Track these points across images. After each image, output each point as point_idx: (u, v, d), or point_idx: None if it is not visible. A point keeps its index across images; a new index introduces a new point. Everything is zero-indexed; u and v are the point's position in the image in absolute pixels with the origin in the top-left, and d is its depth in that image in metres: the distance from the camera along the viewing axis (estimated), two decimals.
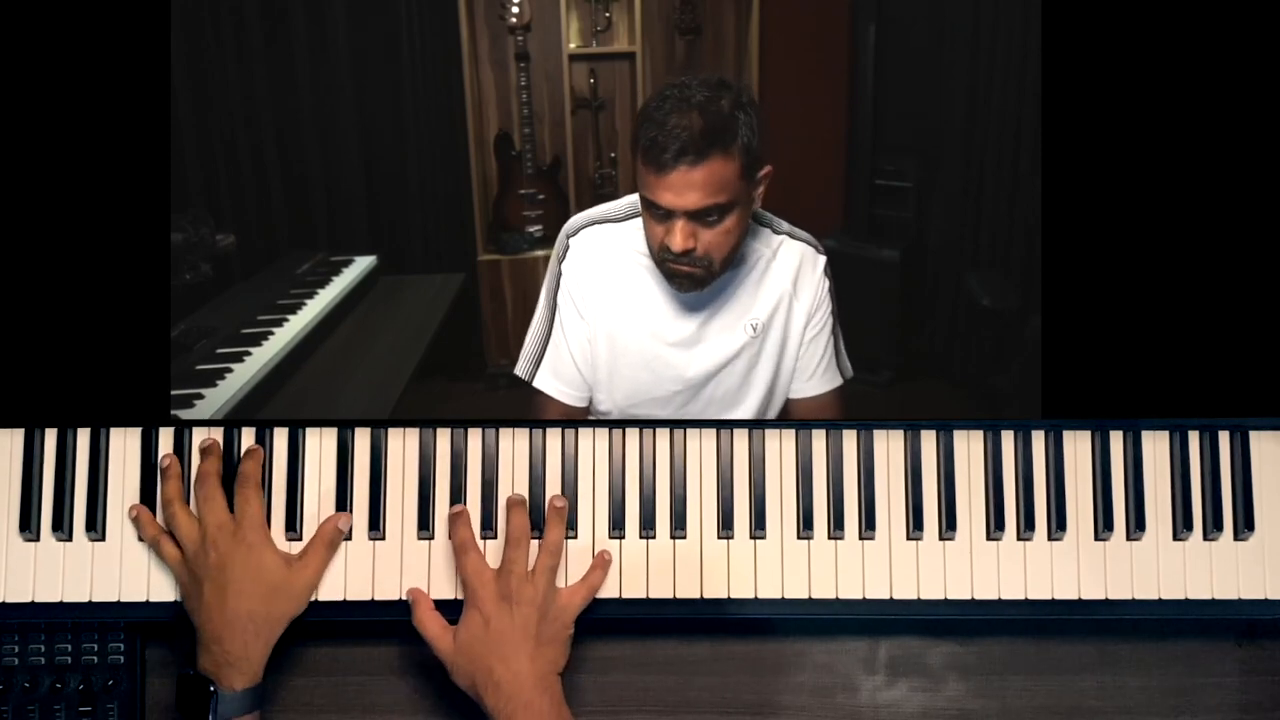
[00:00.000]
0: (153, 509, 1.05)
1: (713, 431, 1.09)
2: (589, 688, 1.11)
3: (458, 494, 1.06)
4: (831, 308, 1.24)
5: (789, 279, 1.21)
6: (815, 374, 1.25)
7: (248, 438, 1.07)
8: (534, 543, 1.04)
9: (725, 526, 1.06)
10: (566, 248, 1.20)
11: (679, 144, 1.04)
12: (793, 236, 1.22)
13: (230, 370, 1.37)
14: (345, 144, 2.24)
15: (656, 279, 1.18)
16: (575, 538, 1.06)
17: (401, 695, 1.11)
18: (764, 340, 1.21)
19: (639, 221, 1.19)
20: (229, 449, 1.06)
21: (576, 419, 1.21)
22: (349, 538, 1.06)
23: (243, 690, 0.97)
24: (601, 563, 1.04)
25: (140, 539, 1.05)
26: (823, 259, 1.24)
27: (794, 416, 1.26)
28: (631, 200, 1.21)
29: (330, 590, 1.05)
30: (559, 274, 1.20)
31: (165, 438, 1.07)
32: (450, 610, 1.03)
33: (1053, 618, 1.07)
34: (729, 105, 1.06)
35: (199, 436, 1.07)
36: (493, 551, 1.05)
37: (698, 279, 1.12)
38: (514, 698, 0.95)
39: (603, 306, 1.19)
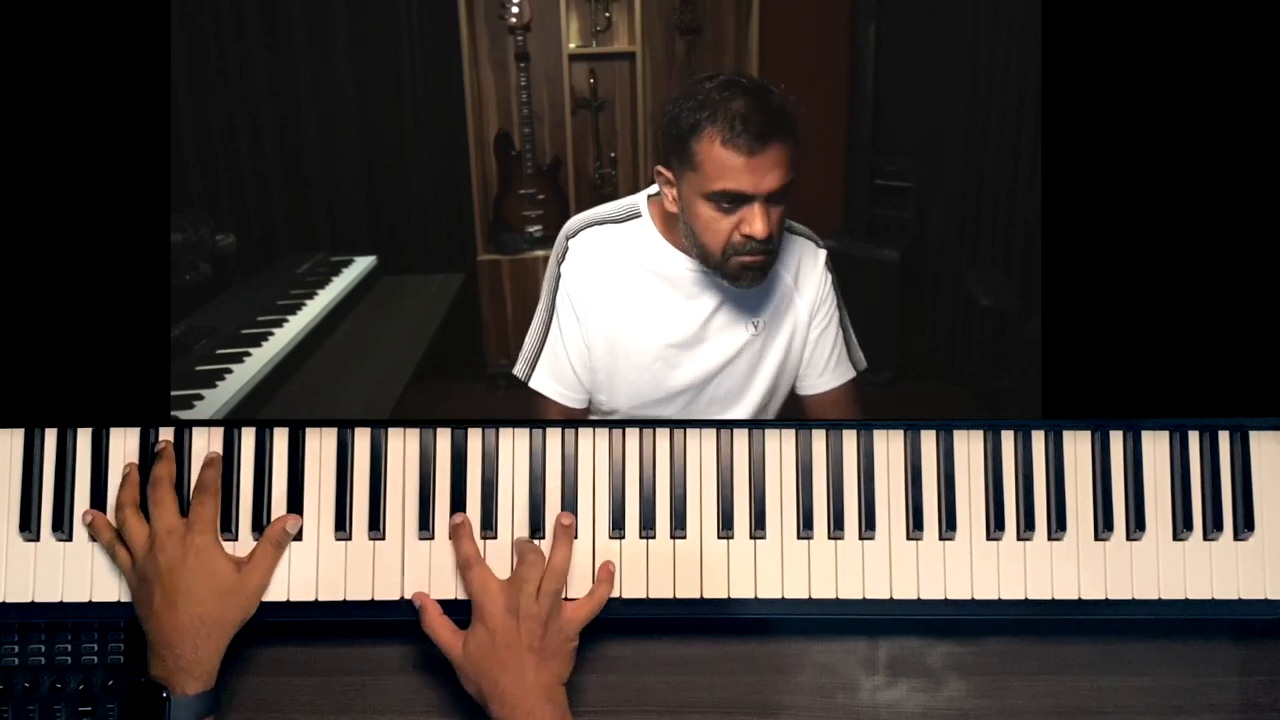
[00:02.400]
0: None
1: (713, 431, 1.09)
2: (589, 688, 1.11)
3: (458, 494, 1.06)
4: (837, 300, 1.24)
5: (790, 275, 1.21)
6: (827, 368, 1.25)
7: (248, 438, 1.07)
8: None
9: (725, 526, 1.06)
10: (565, 249, 1.20)
11: (761, 122, 1.04)
12: (791, 231, 1.22)
13: (230, 370, 1.37)
14: (345, 144, 2.24)
15: (657, 280, 1.18)
16: (576, 538, 1.06)
17: (401, 695, 1.11)
18: (767, 337, 1.21)
19: (639, 223, 1.19)
20: (229, 449, 1.06)
21: (575, 419, 1.21)
22: (349, 538, 1.06)
23: (195, 695, 0.97)
24: (606, 576, 1.04)
25: (93, 539, 1.05)
26: (823, 253, 1.23)
27: (809, 412, 1.26)
28: (630, 202, 1.21)
29: (330, 590, 1.05)
30: (558, 276, 1.20)
31: (165, 438, 1.07)
32: (452, 610, 1.03)
33: (1053, 618, 1.07)
34: (777, 90, 1.07)
35: (199, 437, 1.07)
36: (493, 553, 1.05)
37: (764, 267, 1.12)
38: (518, 708, 0.96)
39: (602, 309, 1.19)
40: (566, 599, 1.03)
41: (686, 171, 1.09)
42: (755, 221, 1.07)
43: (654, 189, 1.19)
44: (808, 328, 1.23)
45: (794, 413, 1.27)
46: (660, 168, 1.13)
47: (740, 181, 1.06)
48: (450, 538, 1.05)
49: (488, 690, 0.98)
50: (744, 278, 1.12)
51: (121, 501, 1.03)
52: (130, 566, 1.01)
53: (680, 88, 1.10)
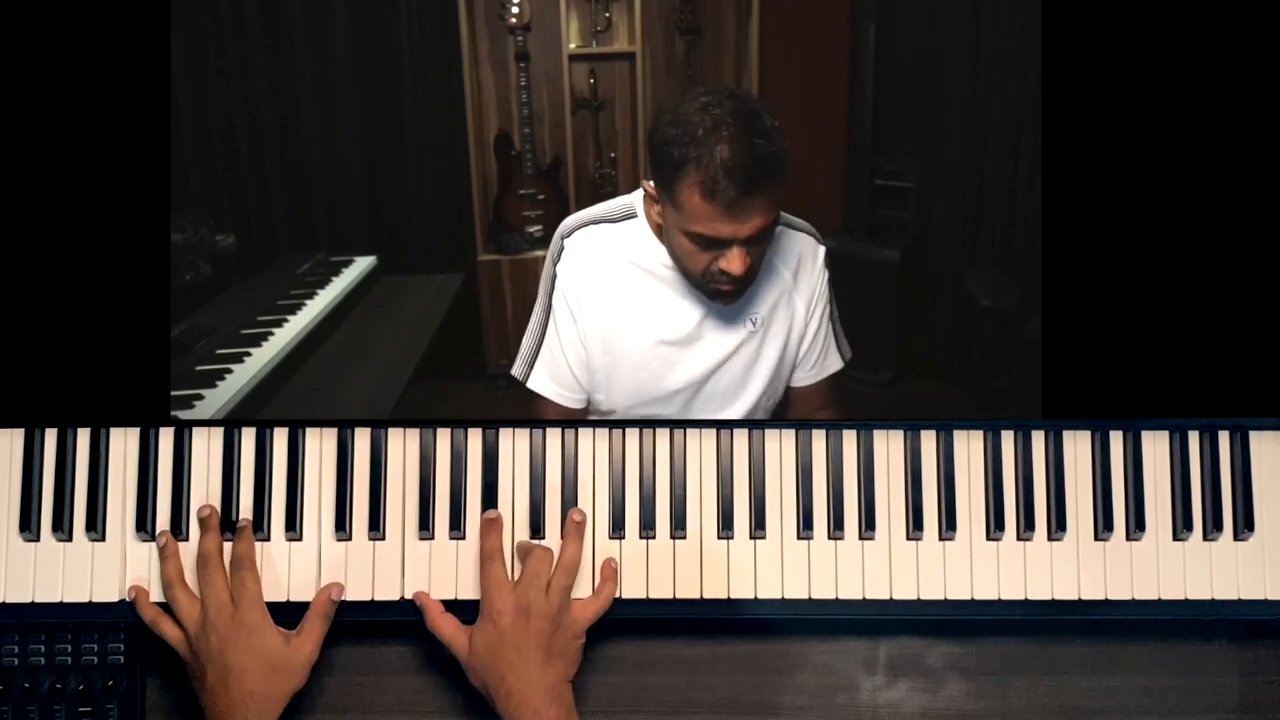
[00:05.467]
0: (150, 510, 1.05)
1: (713, 431, 1.09)
2: (589, 688, 1.11)
3: (458, 494, 1.06)
4: (829, 296, 1.24)
5: (789, 271, 1.21)
6: (815, 363, 1.25)
7: (248, 438, 1.07)
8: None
9: (725, 526, 1.06)
10: (561, 249, 1.20)
11: (745, 176, 1.02)
12: (791, 227, 1.22)
13: (230, 370, 1.37)
14: (345, 144, 2.24)
15: (653, 279, 1.18)
16: None
17: (402, 695, 1.11)
18: (765, 334, 1.21)
19: (635, 223, 1.19)
20: (229, 449, 1.06)
21: (574, 419, 1.21)
22: (349, 538, 1.06)
23: None
24: (610, 573, 1.04)
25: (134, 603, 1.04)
26: (822, 250, 1.23)
27: (791, 402, 1.27)
28: (626, 201, 1.21)
29: None
30: (554, 276, 1.20)
31: (165, 438, 1.07)
32: (452, 610, 1.03)
33: (1053, 618, 1.07)
34: (768, 126, 1.04)
35: (199, 437, 1.07)
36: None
37: (741, 290, 1.12)
38: (524, 705, 0.97)
39: (598, 308, 1.19)
40: (574, 599, 1.03)
41: (669, 204, 1.08)
42: (732, 262, 1.07)
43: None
44: (804, 323, 1.23)
45: (783, 404, 1.27)
46: (645, 184, 1.13)
47: (718, 230, 1.05)
48: (480, 528, 1.05)
49: (494, 687, 0.98)
50: (718, 299, 1.13)
51: (170, 579, 1.03)
52: (182, 641, 1.01)
53: (674, 101, 1.08)
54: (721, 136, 1.02)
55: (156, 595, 1.04)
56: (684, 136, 1.04)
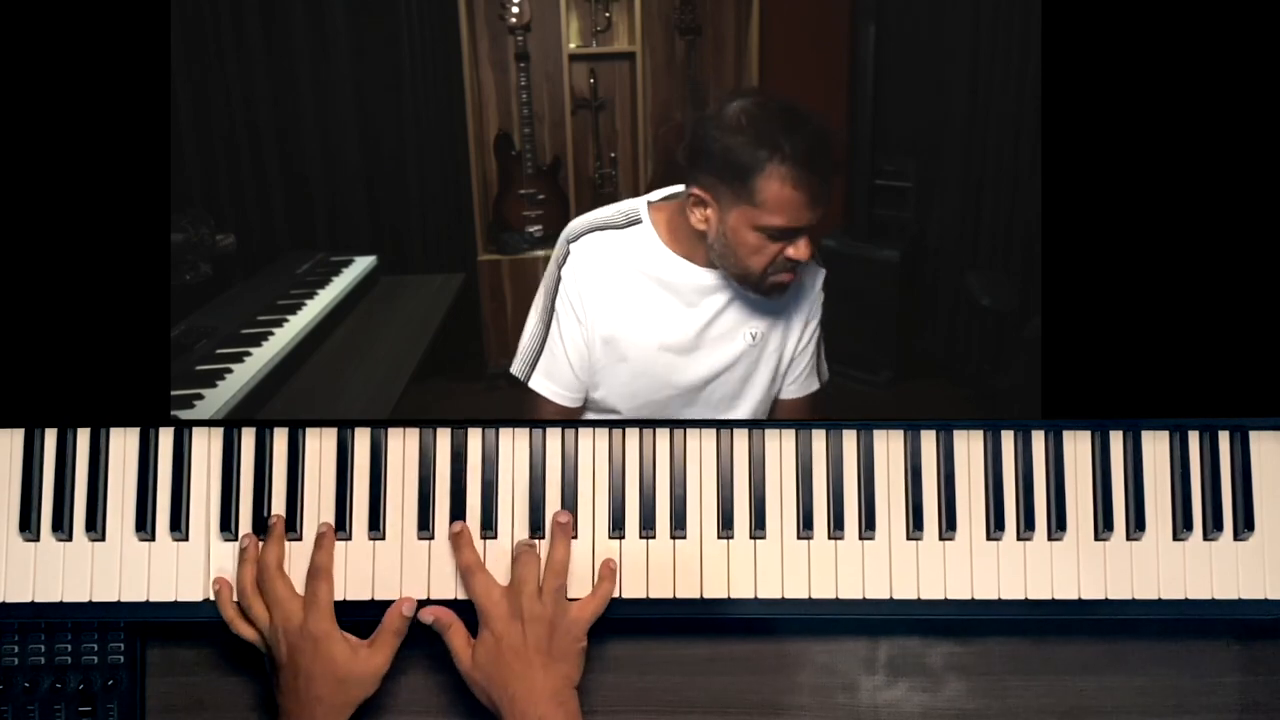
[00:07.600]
0: (150, 510, 1.05)
1: (713, 431, 1.09)
2: (589, 688, 1.10)
3: (458, 494, 1.06)
4: (820, 318, 1.25)
5: (790, 291, 1.21)
6: (798, 380, 1.26)
7: (248, 438, 1.07)
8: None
9: (725, 526, 1.06)
10: (567, 253, 1.20)
11: (827, 163, 1.06)
12: None
13: (230, 370, 1.37)
14: (345, 144, 2.24)
15: (657, 287, 1.18)
16: (575, 538, 1.06)
17: (402, 695, 1.11)
18: (762, 349, 1.21)
19: (640, 229, 1.19)
20: (229, 449, 1.06)
21: (573, 419, 1.21)
22: (349, 538, 1.06)
23: None
24: (609, 573, 1.04)
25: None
26: (822, 271, 1.24)
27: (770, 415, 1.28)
28: (631, 207, 1.20)
29: None
30: (558, 279, 1.20)
31: (165, 438, 1.07)
32: (454, 610, 1.03)
33: (1053, 618, 1.07)
34: (815, 116, 1.08)
35: (199, 436, 1.07)
36: (493, 554, 1.06)
37: (792, 281, 1.15)
38: (528, 713, 0.97)
39: (603, 313, 1.19)
40: (571, 599, 1.03)
41: (740, 204, 1.09)
42: (802, 249, 1.10)
43: (654, 195, 1.19)
44: (797, 341, 1.23)
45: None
46: (696, 190, 1.11)
47: (800, 218, 1.08)
48: (451, 545, 1.05)
49: (498, 697, 0.98)
50: (775, 291, 1.15)
51: (244, 585, 1.03)
52: (260, 641, 1.02)
53: (715, 107, 1.11)
54: (794, 130, 1.06)
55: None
56: (753, 135, 1.06)
